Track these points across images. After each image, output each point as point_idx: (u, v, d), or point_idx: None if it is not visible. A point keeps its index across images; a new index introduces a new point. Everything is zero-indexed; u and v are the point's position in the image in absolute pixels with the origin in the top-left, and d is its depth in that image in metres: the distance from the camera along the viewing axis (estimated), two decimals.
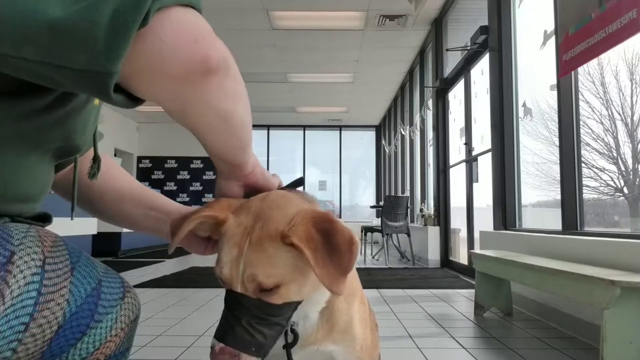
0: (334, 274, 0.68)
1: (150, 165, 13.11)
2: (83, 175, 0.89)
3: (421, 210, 7.04)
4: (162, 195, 0.99)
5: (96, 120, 0.85)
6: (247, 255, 0.71)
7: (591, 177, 3.34)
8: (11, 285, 0.62)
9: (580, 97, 3.10)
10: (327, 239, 0.70)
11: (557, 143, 3.19)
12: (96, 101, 0.79)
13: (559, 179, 3.14)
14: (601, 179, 3.34)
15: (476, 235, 4.87)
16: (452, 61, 6.04)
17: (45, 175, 0.78)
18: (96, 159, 0.87)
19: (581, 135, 3.09)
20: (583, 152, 3.11)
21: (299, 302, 0.76)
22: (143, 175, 13.01)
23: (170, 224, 0.79)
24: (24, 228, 0.70)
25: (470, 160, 5.21)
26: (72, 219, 0.87)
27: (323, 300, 0.82)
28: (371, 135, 13.39)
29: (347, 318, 0.85)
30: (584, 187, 3.05)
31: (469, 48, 5.09)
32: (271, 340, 0.74)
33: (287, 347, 0.80)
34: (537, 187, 4.06)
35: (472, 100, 5.30)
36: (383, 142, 12.01)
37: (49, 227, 0.81)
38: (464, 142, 5.40)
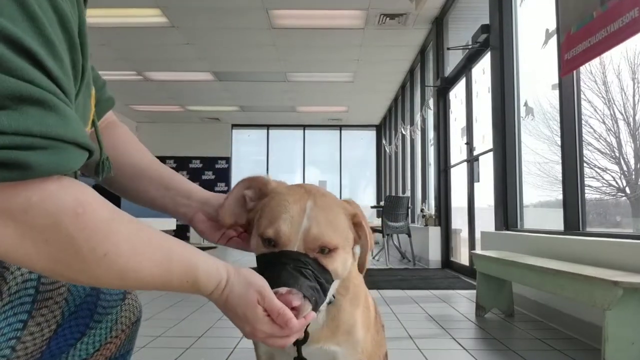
0: (367, 251, 0.87)
1: None
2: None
3: (422, 210, 7.02)
4: (178, 174, 0.93)
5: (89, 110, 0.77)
6: (314, 212, 0.77)
7: (593, 177, 3.32)
8: (9, 281, 0.62)
9: (582, 96, 3.09)
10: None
11: (559, 142, 3.17)
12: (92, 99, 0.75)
13: (561, 178, 3.13)
14: (603, 178, 3.32)
15: (477, 235, 4.86)
16: (453, 60, 6.02)
17: None
18: (102, 158, 0.80)
19: (583, 134, 3.07)
20: (585, 151, 3.09)
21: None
22: None
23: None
24: None
25: (472, 160, 5.19)
26: (100, 179, 0.81)
27: (334, 290, 0.89)
28: (371, 134, 13.37)
29: (352, 321, 0.91)
30: (586, 187, 3.03)
31: (470, 47, 5.07)
32: (321, 300, 0.77)
33: (298, 344, 0.85)
34: (539, 187, 4.05)
35: (473, 100, 5.29)
36: (383, 141, 11.99)
37: None
38: (465, 141, 5.39)
